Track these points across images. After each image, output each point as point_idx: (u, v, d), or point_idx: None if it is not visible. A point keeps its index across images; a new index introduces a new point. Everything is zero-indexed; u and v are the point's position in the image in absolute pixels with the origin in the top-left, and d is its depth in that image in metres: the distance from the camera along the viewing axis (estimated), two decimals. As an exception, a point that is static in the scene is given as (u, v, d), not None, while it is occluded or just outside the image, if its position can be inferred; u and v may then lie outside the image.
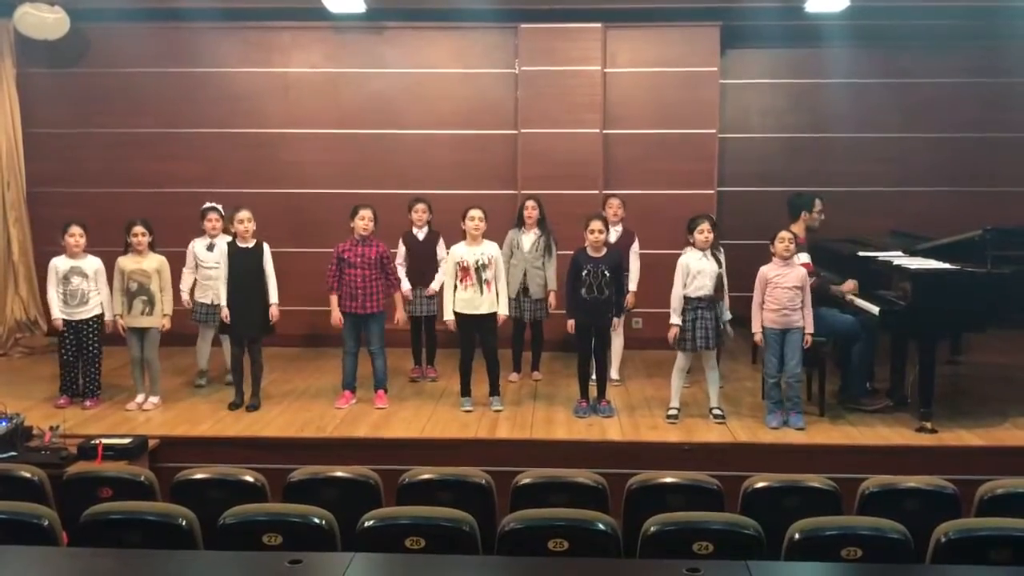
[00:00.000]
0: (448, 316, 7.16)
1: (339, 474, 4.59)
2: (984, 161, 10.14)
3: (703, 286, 6.88)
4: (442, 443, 6.58)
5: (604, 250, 7.10)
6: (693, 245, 6.94)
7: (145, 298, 7.19)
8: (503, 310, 7.23)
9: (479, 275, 7.10)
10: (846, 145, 10.20)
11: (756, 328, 6.88)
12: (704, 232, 6.89)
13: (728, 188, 10.03)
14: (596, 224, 7.05)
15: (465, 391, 7.33)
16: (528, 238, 7.99)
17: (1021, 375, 7.67)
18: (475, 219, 7.13)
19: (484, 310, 7.13)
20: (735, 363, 8.80)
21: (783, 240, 6.81)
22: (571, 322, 7.08)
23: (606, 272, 7.02)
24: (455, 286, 7.15)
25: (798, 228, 7.40)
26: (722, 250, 7.90)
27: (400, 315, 7.51)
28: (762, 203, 9.91)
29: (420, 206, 8.06)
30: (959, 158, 10.14)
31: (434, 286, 8.01)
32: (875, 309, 6.79)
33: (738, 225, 9.60)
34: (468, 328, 7.18)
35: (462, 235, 7.28)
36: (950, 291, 6.60)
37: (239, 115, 9.60)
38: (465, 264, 7.11)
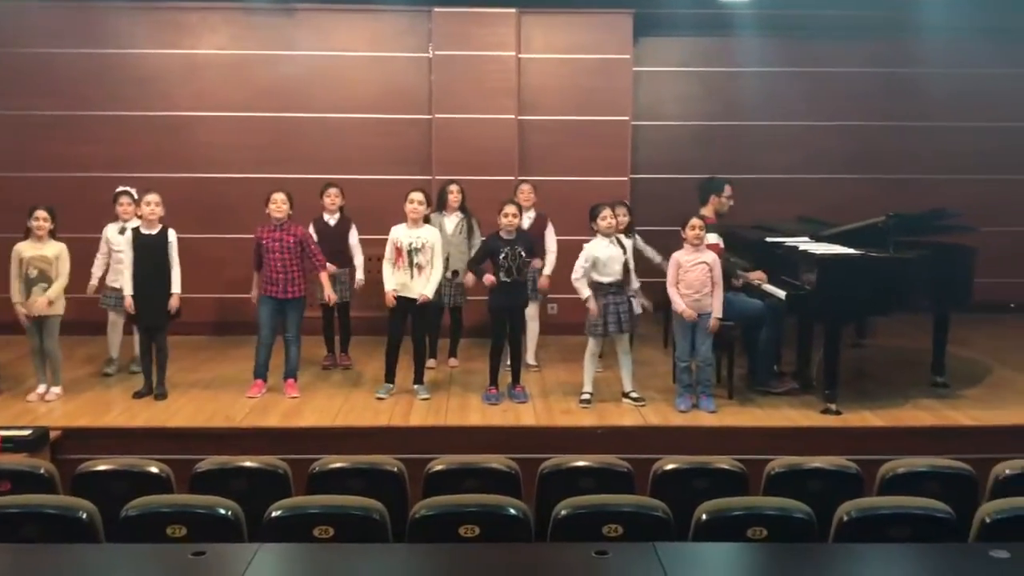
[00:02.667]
0: (389, 287, 7.07)
1: (247, 464, 4.50)
2: (890, 149, 10.38)
3: (613, 272, 6.92)
4: (355, 431, 6.50)
5: (516, 233, 7.11)
6: (598, 232, 6.98)
7: (46, 285, 6.94)
8: (427, 291, 7.14)
9: (411, 258, 7.05)
10: (758, 133, 10.35)
11: (680, 305, 6.88)
12: (607, 219, 6.93)
13: (642, 175, 10.10)
14: (510, 208, 7.07)
15: (388, 376, 7.27)
16: (451, 221, 7.95)
17: (922, 358, 7.83)
18: (414, 202, 7.08)
19: (415, 294, 7.10)
20: (646, 348, 8.87)
21: (694, 227, 6.87)
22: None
23: (522, 253, 7.04)
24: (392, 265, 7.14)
25: (707, 211, 7.53)
26: (636, 236, 8.01)
27: (330, 293, 7.35)
28: (675, 190, 9.97)
29: (332, 191, 7.95)
30: (866, 146, 10.36)
31: (360, 277, 7.94)
32: (782, 294, 6.92)
33: (651, 212, 9.63)
34: (400, 310, 7.13)
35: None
36: (854, 276, 6.71)
37: (149, 97, 9.33)
38: (399, 245, 7.07)
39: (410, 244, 7.06)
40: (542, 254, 7.81)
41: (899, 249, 6.83)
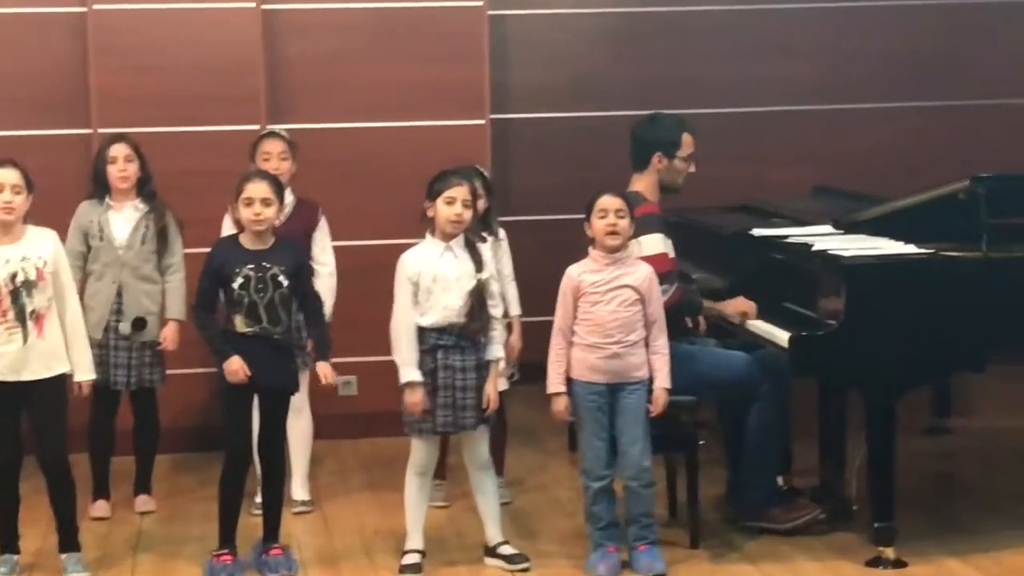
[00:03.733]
0: None
1: None
2: (970, 51, 10.74)
3: (449, 306, 6.88)
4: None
5: (272, 239, 7.07)
6: (431, 231, 6.97)
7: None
8: (85, 372, 7.11)
9: (18, 302, 6.92)
10: (728, 24, 10.63)
11: (555, 385, 6.95)
12: (456, 203, 6.92)
13: (513, 114, 10.28)
14: (256, 188, 6.97)
15: (4, 540, 7.14)
16: (122, 218, 7.94)
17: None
18: (4, 188, 6.94)
19: (31, 374, 6.96)
20: (532, 452, 8.97)
21: (605, 213, 6.84)
22: (231, 363, 6.95)
23: (280, 278, 6.98)
24: None
25: (642, 185, 7.56)
26: (501, 234, 7.97)
27: None
28: (577, 141, 10.05)
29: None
30: (928, 48, 10.69)
31: None
32: (783, 337, 6.90)
33: (532, 186, 9.68)
34: (6, 414, 7.00)
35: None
36: (915, 297, 6.75)
37: None
38: None
39: (12, 276, 6.90)
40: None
41: (1000, 242, 6.90)
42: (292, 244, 7.26)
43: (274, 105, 9.34)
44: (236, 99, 9.24)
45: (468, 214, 6.97)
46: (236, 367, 6.92)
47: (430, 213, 6.96)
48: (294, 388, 7.23)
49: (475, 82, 9.56)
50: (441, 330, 6.88)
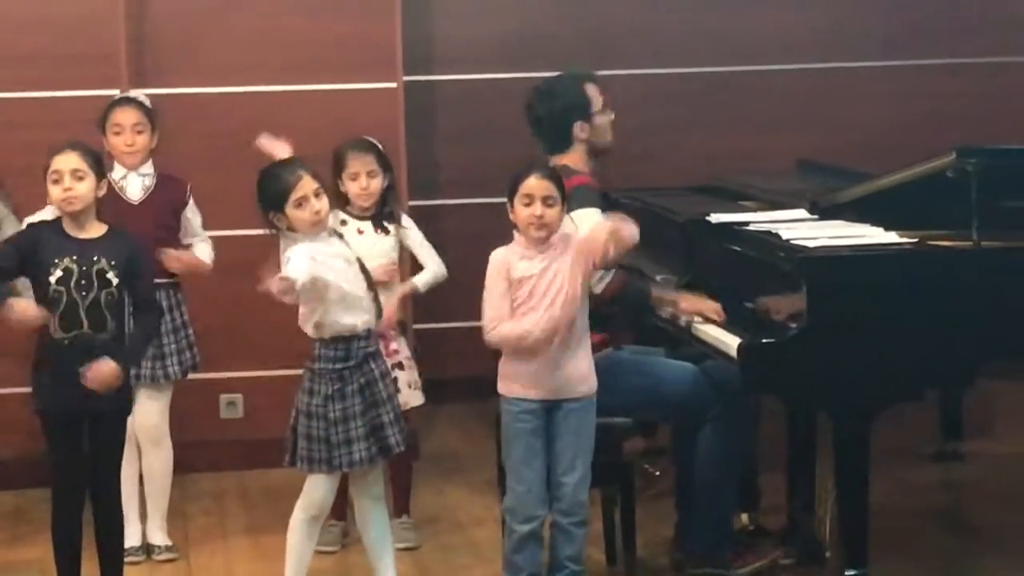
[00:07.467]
0: None
1: None
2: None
3: (357, 303, 6.90)
4: None
5: (102, 227, 7.01)
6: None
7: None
8: None
9: None
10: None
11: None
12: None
13: (436, 76, 10.36)
14: (64, 160, 6.87)
15: None
16: None
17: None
18: None
19: None
20: (453, 486, 8.99)
21: (530, 199, 6.75)
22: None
23: (109, 275, 6.92)
24: None
25: (574, 159, 7.64)
26: (406, 221, 8.01)
27: None
28: (515, 108, 10.08)
29: None
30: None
31: None
32: (732, 344, 6.91)
33: (460, 164, 9.70)
34: None
35: None
36: (891, 296, 6.77)
37: None
38: None
39: None
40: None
41: (992, 229, 6.91)
42: (125, 235, 7.11)
43: (137, 65, 9.32)
44: (90, 58, 9.24)
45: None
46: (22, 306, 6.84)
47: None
48: (127, 410, 7.14)
49: (385, 36, 9.56)
50: (347, 340, 6.91)
